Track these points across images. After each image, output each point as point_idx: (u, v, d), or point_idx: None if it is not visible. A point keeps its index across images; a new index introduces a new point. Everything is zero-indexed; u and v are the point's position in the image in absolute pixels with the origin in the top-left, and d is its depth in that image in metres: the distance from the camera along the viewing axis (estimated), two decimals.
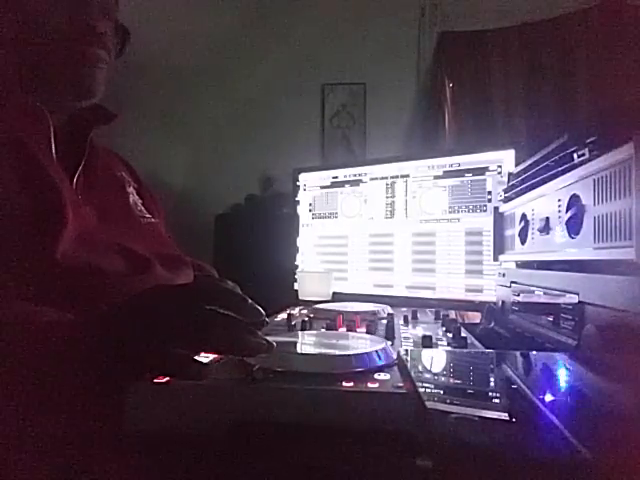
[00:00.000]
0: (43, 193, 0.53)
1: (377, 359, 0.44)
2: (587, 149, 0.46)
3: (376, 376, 0.40)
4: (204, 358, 0.44)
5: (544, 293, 0.57)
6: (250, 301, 0.43)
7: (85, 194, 0.63)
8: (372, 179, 1.18)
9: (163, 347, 0.40)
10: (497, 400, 0.31)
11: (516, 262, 0.73)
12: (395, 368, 0.42)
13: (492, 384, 0.37)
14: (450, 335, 0.60)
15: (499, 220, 0.80)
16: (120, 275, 0.57)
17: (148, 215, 0.74)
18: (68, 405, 0.41)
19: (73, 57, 0.60)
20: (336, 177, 1.25)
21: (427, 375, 0.37)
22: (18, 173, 0.53)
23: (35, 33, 0.58)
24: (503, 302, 0.74)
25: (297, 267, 1.27)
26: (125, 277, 0.57)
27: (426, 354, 0.46)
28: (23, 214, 0.51)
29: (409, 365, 0.38)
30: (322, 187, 1.27)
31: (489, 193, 1.00)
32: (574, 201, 0.49)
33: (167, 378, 0.39)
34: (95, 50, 0.62)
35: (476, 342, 0.57)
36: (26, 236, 0.51)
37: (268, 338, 0.44)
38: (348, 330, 0.63)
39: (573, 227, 0.49)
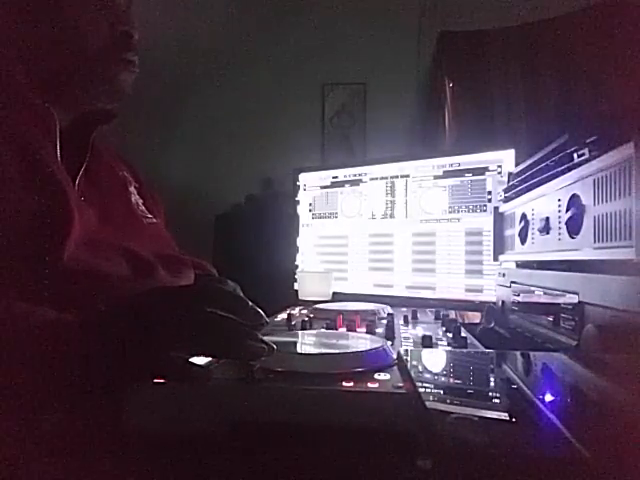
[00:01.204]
0: (49, 195, 0.53)
1: (377, 359, 0.44)
2: (587, 149, 0.46)
3: (376, 376, 0.40)
4: (203, 359, 0.44)
5: (544, 293, 0.57)
6: (250, 304, 0.43)
7: (87, 195, 0.63)
8: (372, 179, 1.18)
9: (161, 350, 0.40)
10: (497, 400, 0.31)
11: (516, 262, 0.73)
12: (395, 368, 0.42)
13: (492, 384, 0.37)
14: (450, 335, 0.60)
15: (499, 220, 0.80)
16: (124, 279, 0.57)
17: (150, 215, 0.74)
18: (68, 405, 0.41)
19: (114, 63, 0.63)
20: (336, 177, 1.25)
21: (427, 375, 0.37)
22: (24, 174, 0.53)
23: (77, 40, 0.60)
24: (503, 302, 0.74)
25: (297, 267, 1.27)
26: (129, 281, 0.57)
27: (426, 354, 0.46)
28: (29, 216, 0.51)
29: (409, 365, 0.38)
30: (322, 187, 1.27)
31: (489, 193, 1.00)
32: (574, 201, 0.49)
33: None
34: (132, 56, 0.64)
35: (476, 342, 0.57)
36: (32, 238, 0.50)
37: (268, 338, 0.44)
38: (348, 330, 0.63)
39: (573, 227, 0.49)
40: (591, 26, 1.95)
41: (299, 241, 1.29)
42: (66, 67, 0.61)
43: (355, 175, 1.21)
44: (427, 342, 0.52)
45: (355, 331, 0.63)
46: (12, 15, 0.59)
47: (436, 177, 1.08)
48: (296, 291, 1.14)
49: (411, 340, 0.58)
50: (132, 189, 0.74)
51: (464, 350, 0.52)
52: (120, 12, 0.63)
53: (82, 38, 0.60)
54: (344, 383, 0.38)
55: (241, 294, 0.73)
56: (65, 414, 0.41)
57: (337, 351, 0.46)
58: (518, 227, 0.68)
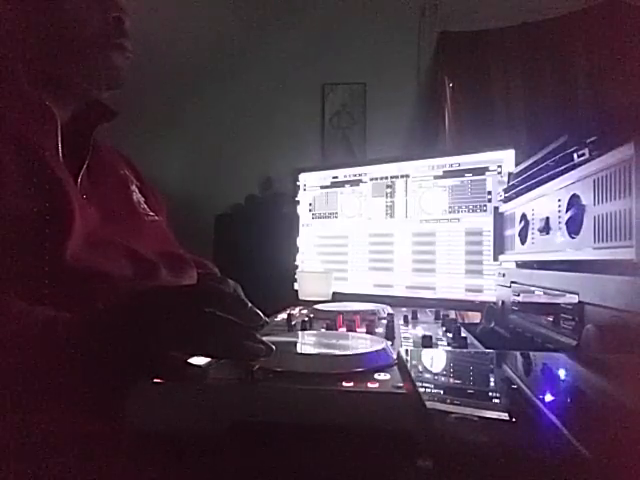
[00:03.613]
0: (50, 194, 0.53)
1: (377, 359, 0.44)
2: (587, 149, 0.46)
3: (376, 376, 0.40)
4: (202, 360, 0.44)
5: (544, 293, 0.57)
6: (250, 305, 0.43)
7: (89, 193, 0.63)
8: (372, 179, 1.18)
9: (160, 350, 0.40)
10: (497, 400, 0.31)
11: (516, 262, 0.73)
12: (395, 368, 0.42)
13: (492, 384, 0.37)
14: (450, 335, 0.60)
15: (499, 220, 0.80)
16: (126, 279, 0.57)
17: (151, 213, 0.74)
18: (66, 404, 0.41)
19: (108, 48, 0.63)
20: (336, 177, 1.25)
21: (427, 375, 0.37)
22: (25, 173, 0.53)
23: (71, 28, 0.61)
24: (503, 302, 0.74)
25: (297, 267, 1.27)
26: (130, 281, 0.57)
27: (426, 354, 0.46)
28: (30, 215, 0.51)
29: (409, 365, 0.38)
30: (322, 187, 1.27)
31: (489, 193, 1.00)
32: (574, 201, 0.49)
33: None
34: (125, 41, 0.65)
35: (476, 342, 0.57)
36: (34, 237, 0.51)
37: (268, 338, 0.44)
38: (348, 330, 0.63)
39: (573, 227, 0.48)
40: (591, 26, 1.95)
41: (299, 241, 1.29)
42: (61, 55, 0.61)
43: (355, 175, 1.21)
44: (427, 342, 0.52)
45: (355, 331, 0.63)
46: (8, 9, 0.59)
47: (436, 177, 1.08)
48: (296, 291, 1.14)
49: (411, 340, 0.58)
50: (134, 187, 0.74)
51: (464, 350, 0.52)
52: (113, 0, 0.63)
53: (76, 25, 0.61)
54: (344, 383, 0.38)
55: (241, 293, 0.73)
56: (64, 413, 0.41)
57: (337, 351, 0.46)
58: (518, 227, 0.68)
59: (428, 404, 0.27)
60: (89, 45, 0.62)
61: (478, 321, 0.88)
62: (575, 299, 0.47)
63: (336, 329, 0.64)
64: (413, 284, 1.10)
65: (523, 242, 0.66)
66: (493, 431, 0.25)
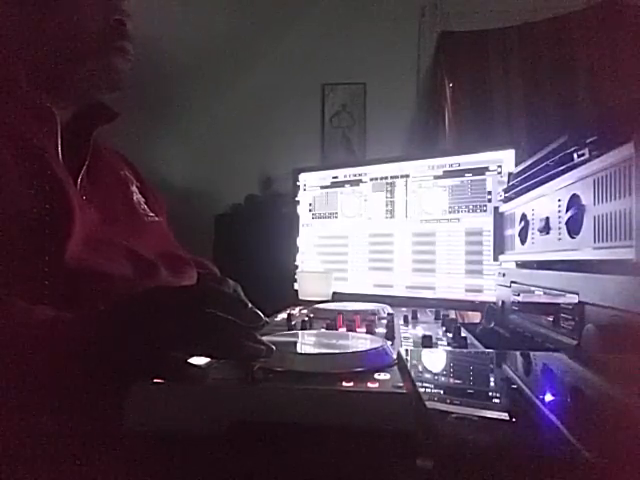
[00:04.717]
0: (50, 194, 0.53)
1: (377, 359, 0.44)
2: (587, 149, 0.46)
3: (376, 376, 0.40)
4: (203, 360, 0.44)
5: (544, 293, 0.57)
6: (250, 305, 0.44)
7: (89, 194, 0.63)
8: (372, 179, 1.18)
9: (160, 350, 0.40)
10: (497, 400, 0.31)
11: (516, 262, 0.73)
12: (395, 368, 0.42)
13: (492, 384, 0.37)
14: (450, 335, 0.60)
15: (499, 220, 0.80)
16: (126, 279, 0.57)
17: (152, 214, 0.74)
18: (67, 405, 0.41)
19: (109, 51, 0.63)
20: (336, 177, 1.25)
21: (427, 375, 0.37)
22: (26, 174, 0.53)
23: (72, 30, 0.61)
24: (503, 302, 0.74)
25: (297, 267, 1.27)
26: (131, 281, 0.57)
27: (426, 354, 0.46)
28: (31, 215, 0.51)
29: (409, 365, 0.38)
30: (322, 187, 1.27)
31: (489, 193, 1.00)
32: (574, 201, 0.49)
33: None
34: (126, 44, 0.64)
35: (476, 342, 0.57)
36: (34, 237, 0.51)
37: (268, 338, 0.44)
38: (348, 330, 0.63)
39: (573, 227, 0.49)
40: (591, 26, 1.95)
41: (299, 241, 1.29)
42: (62, 58, 0.61)
43: (355, 175, 1.21)
44: (427, 342, 0.52)
45: (355, 331, 0.63)
46: (11, 10, 0.59)
47: (436, 177, 1.08)
48: (296, 291, 1.14)
49: (411, 340, 0.58)
50: (134, 188, 0.74)
51: (464, 350, 0.52)
52: (114, 1, 0.63)
53: (77, 27, 0.61)
54: (344, 383, 0.38)
55: (241, 293, 0.74)
56: (64, 413, 0.41)
57: (337, 351, 0.46)
58: (518, 227, 0.68)
59: (428, 404, 0.27)
60: (90, 48, 0.61)
61: (478, 321, 0.88)
62: (575, 299, 0.47)
63: (336, 329, 0.64)
64: (413, 284, 1.10)
65: (523, 242, 0.66)
66: (493, 431, 0.25)
